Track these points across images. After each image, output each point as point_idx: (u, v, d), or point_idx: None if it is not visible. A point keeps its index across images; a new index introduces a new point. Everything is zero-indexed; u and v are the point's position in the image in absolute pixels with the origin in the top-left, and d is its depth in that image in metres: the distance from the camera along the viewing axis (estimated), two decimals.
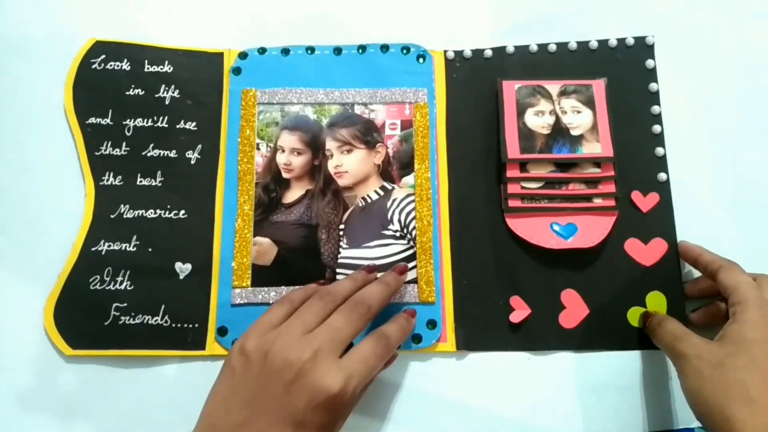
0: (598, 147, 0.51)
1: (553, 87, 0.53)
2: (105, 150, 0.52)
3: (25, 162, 0.53)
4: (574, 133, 0.52)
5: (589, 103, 0.53)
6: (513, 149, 0.52)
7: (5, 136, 0.54)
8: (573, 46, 0.56)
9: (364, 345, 0.40)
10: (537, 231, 0.51)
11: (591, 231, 0.51)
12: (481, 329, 0.50)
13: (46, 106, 0.54)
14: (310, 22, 0.57)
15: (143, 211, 0.51)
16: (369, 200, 0.52)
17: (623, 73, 0.55)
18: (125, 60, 0.54)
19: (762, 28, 0.57)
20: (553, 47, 0.56)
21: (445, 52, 0.56)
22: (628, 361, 0.50)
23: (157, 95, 0.53)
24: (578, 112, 0.52)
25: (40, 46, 0.55)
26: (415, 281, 0.50)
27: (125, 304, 0.49)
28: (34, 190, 0.53)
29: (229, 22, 0.57)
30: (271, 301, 0.49)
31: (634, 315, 0.50)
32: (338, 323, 0.39)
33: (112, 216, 0.51)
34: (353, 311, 0.40)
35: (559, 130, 0.52)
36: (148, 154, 0.52)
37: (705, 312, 0.49)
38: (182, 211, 0.51)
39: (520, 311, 0.50)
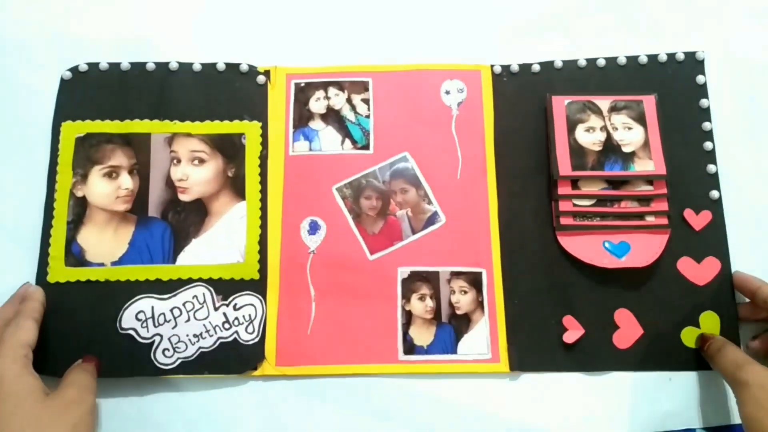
0: (650, 164, 0.51)
1: (604, 102, 0.53)
2: None
3: None
4: (625, 150, 0.51)
5: (640, 120, 0.52)
6: (564, 166, 0.51)
7: None
8: (622, 60, 0.55)
9: None
10: (589, 249, 0.50)
11: (644, 250, 0.50)
12: (534, 349, 0.49)
13: None
14: (359, 39, 0.57)
15: None
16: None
17: (673, 89, 0.54)
18: None
19: None
20: (602, 62, 0.55)
21: (492, 66, 0.55)
22: (683, 382, 0.49)
23: None
24: (629, 128, 0.52)
25: None
26: None
27: None
28: None
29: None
30: None
31: (688, 335, 0.49)
32: None
33: None
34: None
35: (611, 147, 0.51)
36: None
37: (765, 340, 0.48)
38: None
39: (573, 331, 0.49)
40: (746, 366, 0.43)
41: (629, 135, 0.52)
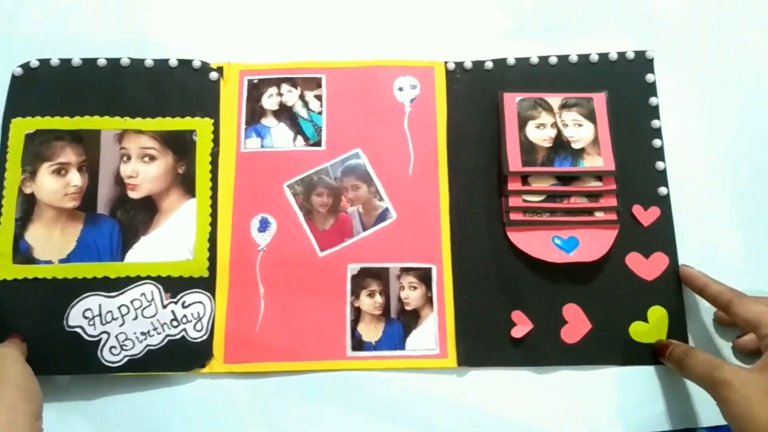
0: (599, 160, 0.51)
1: (554, 100, 0.53)
2: None
3: None
4: (575, 146, 0.52)
5: (590, 117, 0.53)
6: (514, 162, 0.51)
7: None
8: (574, 59, 0.55)
9: None
10: (539, 245, 0.51)
11: (593, 245, 0.51)
12: (483, 345, 0.49)
13: None
14: (314, 35, 0.57)
15: None
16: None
17: (623, 87, 0.55)
18: None
19: (760, 42, 0.57)
20: (554, 60, 0.55)
21: (446, 63, 0.56)
22: (631, 376, 0.49)
23: None
24: (579, 125, 0.52)
25: None
26: None
27: None
28: None
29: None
30: None
31: (636, 330, 0.50)
32: None
33: None
34: None
35: (561, 144, 0.52)
36: None
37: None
38: None
39: (521, 326, 0.49)
40: (723, 365, 0.42)
41: (579, 132, 0.52)
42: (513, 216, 0.51)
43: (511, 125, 0.52)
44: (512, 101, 0.53)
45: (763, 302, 0.44)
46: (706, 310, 0.51)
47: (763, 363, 0.41)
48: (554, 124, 0.52)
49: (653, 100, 0.55)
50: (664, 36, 0.57)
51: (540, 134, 0.52)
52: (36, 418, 0.41)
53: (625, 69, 0.55)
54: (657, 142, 0.54)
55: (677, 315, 0.50)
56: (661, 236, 0.52)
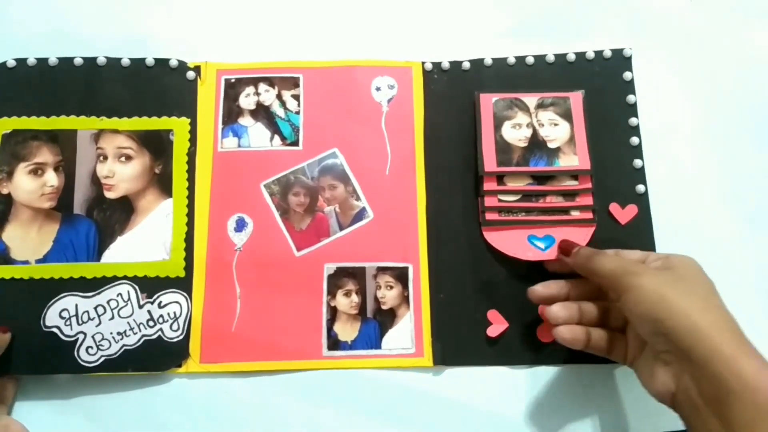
0: (575, 159, 0.51)
1: (531, 99, 0.53)
2: None
3: None
4: (551, 145, 0.52)
5: (567, 116, 0.53)
6: (490, 162, 0.51)
7: None
8: (551, 58, 0.56)
9: None
10: (514, 243, 0.51)
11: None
12: (459, 344, 0.49)
13: None
14: (292, 34, 0.57)
15: None
16: None
17: (601, 86, 0.55)
18: None
19: (738, 40, 0.57)
20: (530, 59, 0.55)
21: (423, 63, 0.56)
22: (608, 374, 0.49)
23: None
24: (555, 124, 0.52)
25: None
26: None
27: None
28: None
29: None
30: None
31: None
32: None
33: None
34: None
35: (537, 143, 0.52)
36: None
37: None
38: None
39: (497, 325, 0.50)
40: (635, 262, 0.43)
41: (555, 131, 0.52)
42: (489, 216, 0.51)
43: (487, 125, 0.52)
44: (488, 102, 0.53)
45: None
46: None
47: (663, 267, 0.42)
48: (530, 124, 0.53)
49: (631, 98, 0.55)
50: (645, 33, 0.57)
51: (516, 134, 0.52)
52: None
53: (603, 67, 0.56)
54: (635, 140, 0.54)
55: None
56: (639, 234, 0.52)
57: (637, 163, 0.54)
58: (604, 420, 0.48)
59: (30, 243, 0.50)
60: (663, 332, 0.38)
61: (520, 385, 0.49)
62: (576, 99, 0.53)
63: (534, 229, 0.51)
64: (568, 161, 0.51)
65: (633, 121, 0.54)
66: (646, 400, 0.48)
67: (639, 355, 0.43)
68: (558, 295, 0.47)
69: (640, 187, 0.53)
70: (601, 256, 0.44)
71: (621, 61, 0.56)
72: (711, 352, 0.36)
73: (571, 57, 0.55)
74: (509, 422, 0.48)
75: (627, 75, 0.55)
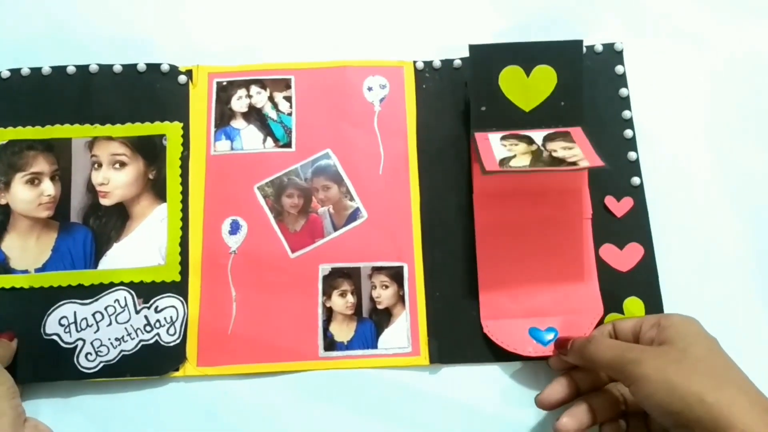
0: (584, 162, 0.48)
1: (536, 135, 0.50)
2: None
3: None
4: (556, 155, 0.48)
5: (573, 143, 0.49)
6: (490, 162, 0.48)
7: None
8: None
9: None
10: (514, 338, 0.49)
11: (574, 333, 0.48)
12: (454, 342, 0.49)
13: None
14: (291, 35, 0.57)
15: None
16: None
17: (593, 80, 0.55)
18: None
19: (728, 30, 0.57)
20: None
21: (415, 62, 0.56)
22: None
23: None
24: (570, 148, 0.49)
25: None
26: None
27: None
28: None
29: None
30: None
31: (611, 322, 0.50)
32: None
33: None
34: None
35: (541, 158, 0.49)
36: None
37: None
38: None
39: None
40: (632, 346, 0.41)
41: (569, 153, 0.49)
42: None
43: (485, 146, 0.49)
44: (485, 141, 0.49)
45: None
46: (684, 300, 0.50)
47: (660, 341, 0.40)
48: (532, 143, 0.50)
49: (623, 91, 0.55)
50: (638, 26, 0.57)
51: (516, 148, 0.49)
52: (12, 397, 0.43)
53: (594, 62, 0.55)
54: (628, 133, 0.54)
55: (654, 305, 0.50)
56: (635, 226, 0.52)
57: (632, 155, 0.53)
58: None
59: (29, 252, 0.51)
60: (683, 424, 0.36)
61: (517, 381, 0.49)
62: (577, 133, 0.50)
63: (536, 320, 0.49)
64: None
65: (626, 114, 0.54)
66: None
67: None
68: (567, 397, 0.44)
69: (635, 180, 0.53)
70: (595, 345, 0.42)
71: (612, 55, 0.56)
72: None
73: None
74: (506, 419, 0.48)
75: (619, 69, 0.55)
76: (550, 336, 0.49)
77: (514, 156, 0.48)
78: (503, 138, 0.50)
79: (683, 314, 0.42)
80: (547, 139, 0.50)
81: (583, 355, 0.43)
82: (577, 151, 0.48)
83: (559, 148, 0.49)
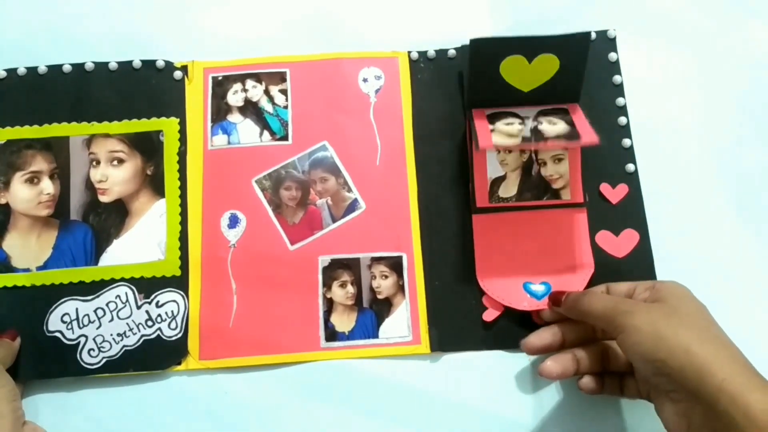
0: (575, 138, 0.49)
1: (528, 111, 0.51)
2: None
3: None
4: (547, 135, 0.49)
5: (566, 120, 0.50)
6: (485, 139, 0.48)
7: None
8: None
9: None
10: (510, 293, 0.50)
11: (567, 288, 0.49)
12: (455, 330, 0.50)
13: None
14: (286, 28, 0.57)
15: None
16: None
17: (587, 67, 0.54)
18: None
19: (720, 16, 0.57)
20: None
21: (409, 53, 0.56)
22: None
23: None
24: (554, 123, 0.50)
25: None
26: None
27: None
28: None
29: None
30: None
31: None
32: None
33: None
34: None
35: (534, 133, 0.49)
36: None
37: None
38: None
39: (492, 310, 0.50)
40: (624, 299, 0.42)
41: (554, 128, 0.49)
42: (479, 202, 0.51)
43: (481, 122, 0.50)
44: (482, 117, 0.50)
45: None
46: None
47: (653, 299, 0.41)
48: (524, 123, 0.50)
49: (617, 78, 0.55)
50: (631, 14, 0.57)
51: (510, 128, 0.50)
52: (12, 399, 0.44)
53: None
54: (622, 120, 0.54)
55: None
56: (631, 213, 0.52)
57: (626, 142, 0.54)
58: (603, 400, 0.49)
59: (30, 251, 0.51)
60: (666, 372, 0.37)
61: (517, 367, 0.49)
62: (574, 109, 0.50)
63: (530, 276, 0.50)
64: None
65: (620, 101, 0.55)
66: None
67: (652, 389, 0.41)
68: (552, 344, 0.46)
69: (630, 166, 0.53)
70: (589, 297, 0.43)
71: (606, 42, 0.56)
72: (716, 389, 0.35)
73: None
74: (507, 405, 0.48)
75: (612, 56, 0.55)
76: (544, 290, 0.50)
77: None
78: (498, 117, 0.50)
79: (677, 281, 0.43)
80: (541, 114, 0.50)
81: (576, 306, 0.44)
82: (561, 126, 0.49)
83: (545, 122, 0.49)
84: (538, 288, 0.50)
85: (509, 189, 0.51)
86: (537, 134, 0.49)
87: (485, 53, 0.48)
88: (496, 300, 0.50)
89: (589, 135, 0.48)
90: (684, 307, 0.40)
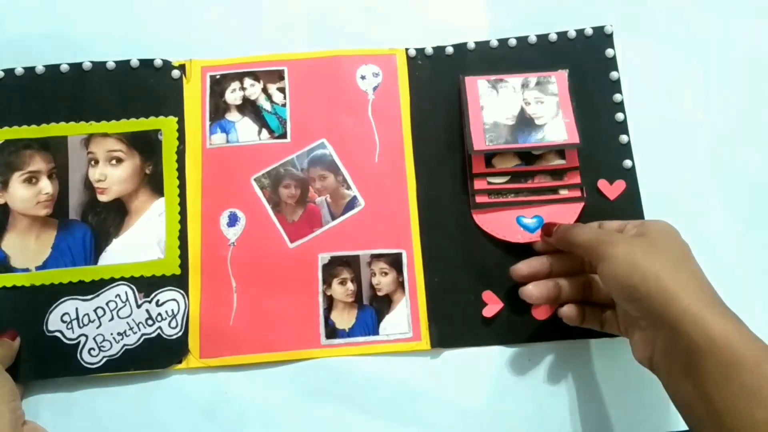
0: (563, 134, 0.51)
1: (516, 80, 0.53)
2: None
3: None
4: (538, 122, 0.52)
5: (552, 94, 0.53)
6: (479, 141, 0.51)
7: None
8: (533, 39, 0.56)
9: None
10: (503, 226, 0.51)
11: (557, 221, 0.51)
12: (455, 326, 0.50)
13: None
14: (283, 26, 0.57)
15: None
16: None
17: (584, 64, 0.55)
18: None
19: (717, 12, 0.58)
20: (513, 41, 0.56)
21: (407, 50, 0.56)
22: (604, 348, 0.50)
23: None
24: (541, 102, 0.52)
25: None
26: None
27: None
28: None
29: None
30: None
31: None
32: None
33: None
34: None
35: (524, 121, 0.52)
36: None
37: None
38: None
39: (492, 306, 0.50)
40: (610, 232, 0.44)
41: (541, 108, 0.52)
42: (478, 199, 0.52)
43: (474, 107, 0.53)
44: (473, 84, 0.53)
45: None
46: None
47: (638, 234, 0.42)
48: (517, 103, 0.53)
49: (614, 75, 0.55)
50: (628, 9, 0.57)
51: (503, 113, 0.52)
52: (11, 399, 0.44)
53: (585, 45, 0.56)
54: (620, 116, 0.54)
55: None
56: (628, 209, 0.53)
57: (623, 138, 0.54)
58: (603, 394, 0.49)
59: (29, 250, 0.51)
60: (636, 298, 0.39)
61: (517, 363, 0.50)
62: (560, 77, 0.53)
63: (523, 209, 0.51)
64: (557, 137, 0.51)
65: (617, 97, 0.55)
66: (647, 373, 0.49)
67: (627, 322, 0.43)
68: (540, 272, 0.48)
69: (627, 162, 0.53)
70: (578, 228, 0.45)
71: (602, 38, 0.56)
72: (680, 312, 0.36)
73: (553, 37, 0.56)
74: (508, 401, 0.49)
75: (609, 52, 0.56)
76: (536, 224, 0.51)
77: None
78: (491, 84, 0.53)
79: (667, 222, 0.44)
80: (525, 86, 0.53)
81: (565, 236, 0.46)
82: (548, 108, 0.52)
83: (532, 100, 0.52)
84: (530, 222, 0.51)
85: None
86: (526, 122, 0.52)
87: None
88: (490, 233, 0.51)
89: (572, 135, 0.51)
90: (665, 241, 0.41)
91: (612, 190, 0.53)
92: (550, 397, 0.49)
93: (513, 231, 0.51)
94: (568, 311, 0.46)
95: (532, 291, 0.46)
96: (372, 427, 0.48)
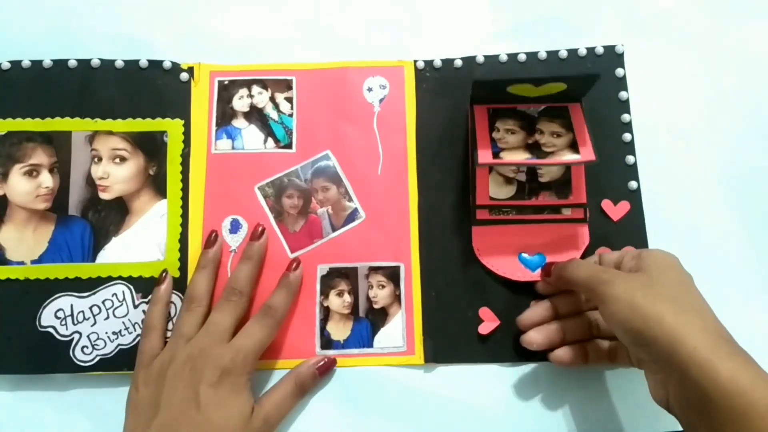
0: (575, 156, 0.49)
1: (531, 110, 0.51)
2: None
3: None
4: (546, 149, 0.49)
5: (569, 127, 0.50)
6: (485, 154, 0.49)
7: None
8: (543, 55, 0.56)
9: (249, 324, 0.46)
10: (505, 263, 0.51)
11: (562, 250, 0.51)
12: (450, 341, 0.50)
13: None
14: (293, 36, 0.57)
15: None
16: None
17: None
18: None
19: (731, 36, 0.57)
20: (522, 57, 0.56)
21: (415, 62, 0.56)
22: (599, 369, 0.49)
23: None
24: (558, 135, 0.50)
25: None
26: None
27: None
28: None
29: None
30: None
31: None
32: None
33: None
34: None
35: (535, 146, 0.50)
36: None
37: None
38: None
39: (488, 323, 0.50)
40: (607, 269, 0.43)
41: (557, 141, 0.50)
42: (480, 215, 0.51)
43: (482, 128, 0.51)
44: (483, 112, 0.51)
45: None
46: None
47: (636, 269, 0.42)
48: (526, 128, 0.51)
49: (623, 94, 0.55)
50: (638, 29, 0.57)
51: (513, 137, 0.50)
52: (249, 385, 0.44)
53: (595, 64, 0.56)
54: (627, 136, 0.54)
55: None
56: (632, 230, 0.52)
57: (630, 159, 0.54)
58: (597, 416, 0.49)
59: (25, 244, 0.51)
60: (642, 343, 0.38)
61: (512, 382, 0.49)
62: (575, 109, 0.51)
63: (526, 236, 0.51)
64: (569, 157, 0.50)
65: (625, 117, 0.54)
66: (641, 394, 0.49)
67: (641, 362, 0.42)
68: (545, 318, 0.47)
69: (633, 184, 0.53)
70: (573, 267, 0.44)
71: (613, 57, 0.56)
72: (687, 358, 0.35)
73: (563, 54, 0.55)
74: (501, 420, 0.48)
75: (619, 71, 0.55)
76: (538, 261, 0.51)
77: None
78: (501, 116, 0.51)
79: (664, 250, 0.43)
80: (544, 114, 0.51)
81: (562, 275, 0.45)
82: (563, 141, 0.49)
83: (548, 132, 0.50)
84: (532, 258, 0.51)
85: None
86: (538, 150, 0.49)
87: (489, 89, 0.50)
88: (492, 270, 0.50)
89: (587, 152, 0.48)
90: (664, 277, 0.40)
91: (616, 211, 0.53)
92: (542, 418, 0.49)
93: (514, 269, 0.51)
94: (559, 356, 0.46)
95: (533, 338, 0.45)
96: None
